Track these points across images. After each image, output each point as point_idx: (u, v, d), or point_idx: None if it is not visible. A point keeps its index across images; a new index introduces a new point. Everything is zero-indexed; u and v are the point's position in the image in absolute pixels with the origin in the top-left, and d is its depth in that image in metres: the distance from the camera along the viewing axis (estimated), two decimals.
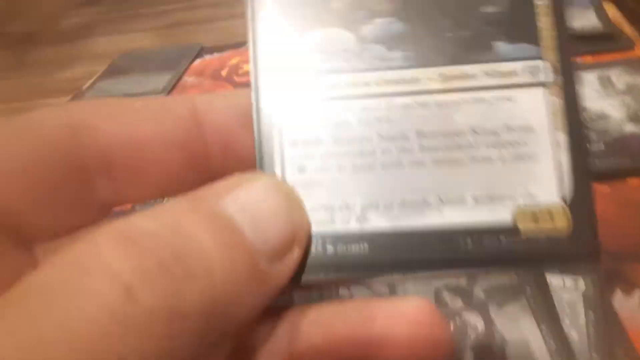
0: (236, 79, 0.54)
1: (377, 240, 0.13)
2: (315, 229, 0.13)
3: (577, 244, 0.12)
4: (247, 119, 0.14)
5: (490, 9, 0.13)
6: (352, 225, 0.13)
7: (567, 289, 0.25)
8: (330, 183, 0.13)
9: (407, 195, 0.13)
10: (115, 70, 0.59)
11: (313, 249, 0.13)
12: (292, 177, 0.13)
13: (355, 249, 0.13)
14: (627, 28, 0.52)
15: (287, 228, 0.12)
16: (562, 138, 0.13)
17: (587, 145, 0.13)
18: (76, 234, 0.13)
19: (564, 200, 0.13)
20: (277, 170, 0.13)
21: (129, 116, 0.13)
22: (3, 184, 0.12)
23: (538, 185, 0.13)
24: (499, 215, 0.13)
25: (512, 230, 0.13)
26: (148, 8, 0.82)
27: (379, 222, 0.13)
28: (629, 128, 0.36)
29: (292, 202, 0.12)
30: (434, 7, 0.14)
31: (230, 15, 0.73)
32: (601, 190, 0.32)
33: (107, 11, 0.84)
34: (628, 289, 0.26)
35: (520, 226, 0.13)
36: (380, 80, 0.13)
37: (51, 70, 0.66)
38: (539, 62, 0.13)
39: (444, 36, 0.13)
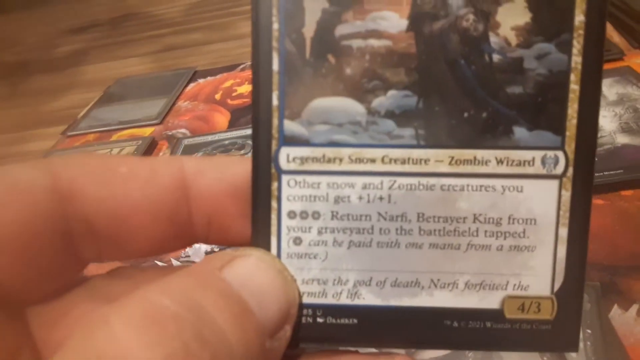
0: (230, 102, 0.54)
1: (367, 315, 0.13)
2: (308, 300, 0.13)
3: (559, 335, 0.13)
4: (236, 190, 0.14)
5: (516, 90, 0.13)
6: (344, 300, 0.13)
7: None
8: (325, 257, 0.13)
9: (401, 275, 0.13)
10: (109, 97, 0.59)
11: (304, 319, 0.13)
12: (288, 249, 0.13)
13: (345, 322, 0.13)
14: (617, 38, 0.52)
15: (284, 305, 0.12)
16: (564, 232, 0.13)
17: (587, 241, 0.13)
18: (64, 295, 0.13)
19: (554, 294, 0.13)
20: (273, 240, 0.13)
21: (114, 183, 0.13)
22: None
23: (531, 277, 0.13)
24: (488, 302, 0.13)
25: (498, 316, 0.13)
26: (140, 33, 0.82)
27: (370, 299, 0.13)
28: (621, 139, 0.36)
29: (286, 280, 0.13)
30: (454, 83, 0.13)
31: (223, 38, 0.74)
32: (595, 203, 0.32)
33: (100, 37, 0.84)
34: (625, 304, 0.26)
35: (507, 314, 0.13)
36: (386, 158, 0.13)
37: (46, 99, 0.66)
38: (559, 153, 0.13)
39: (461, 116, 0.13)
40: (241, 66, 0.62)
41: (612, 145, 0.36)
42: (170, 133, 0.50)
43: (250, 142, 0.46)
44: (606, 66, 0.46)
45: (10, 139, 0.58)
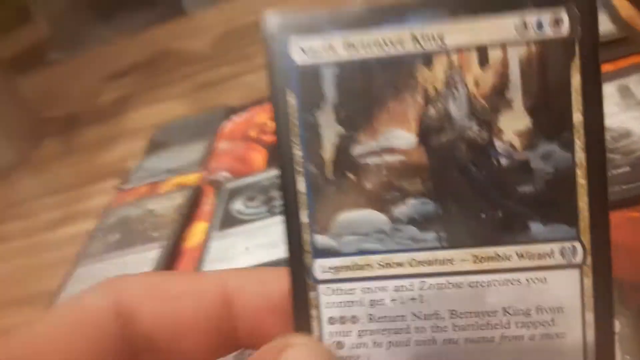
0: (264, 138, 0.56)
1: None
2: None
3: None
4: (278, 305, 0.15)
5: (527, 189, 0.13)
6: None
7: None
8: (367, 358, 0.14)
9: None
10: (154, 146, 0.63)
11: None
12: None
13: None
14: None
15: None
16: (591, 318, 0.13)
17: (613, 322, 0.14)
18: None
19: None
20: None
21: (169, 303, 0.16)
22: None
23: None
24: None
25: None
26: (174, 72, 0.85)
27: None
28: None
29: None
30: (467, 187, 0.14)
31: (252, 69, 0.76)
32: (632, 216, 0.32)
33: (137, 81, 0.88)
34: None
35: None
36: (413, 261, 0.14)
37: (96, 152, 0.70)
38: (576, 244, 0.13)
39: (478, 217, 0.14)
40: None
41: None
42: (213, 178, 0.53)
43: None
44: (632, 59, 0.45)
45: (70, 198, 0.62)
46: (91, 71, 1.00)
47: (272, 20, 0.14)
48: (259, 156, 0.54)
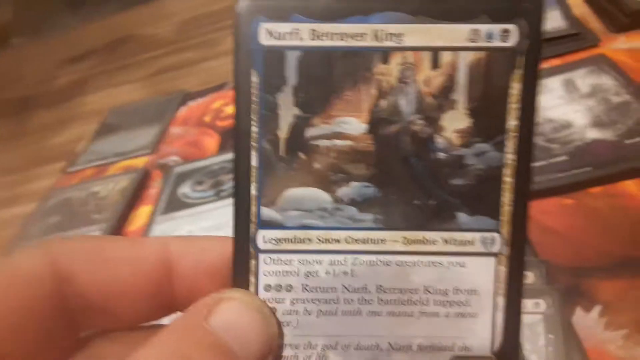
0: (219, 124, 0.56)
1: None
2: None
3: None
4: (217, 272, 0.16)
5: (458, 182, 0.15)
6: None
7: (526, 310, 0.26)
8: (296, 324, 0.15)
9: (363, 340, 0.15)
10: (105, 129, 0.61)
11: None
12: None
13: None
14: (594, 22, 0.52)
15: (265, 341, 0.14)
16: (501, 301, 0.15)
17: (521, 307, 0.15)
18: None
19: (494, 353, 0.15)
20: None
21: (107, 265, 0.16)
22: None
23: (474, 339, 0.15)
24: None
25: None
26: (135, 56, 0.84)
27: None
28: (592, 134, 0.37)
29: (266, 316, 0.15)
30: (406, 176, 0.15)
31: (214, 55, 0.75)
32: (563, 202, 0.33)
33: (97, 65, 0.86)
34: (587, 306, 0.26)
35: None
36: (349, 238, 0.15)
37: (48, 135, 0.68)
38: (495, 235, 0.15)
39: (412, 203, 0.15)
40: (229, 85, 0.63)
41: (582, 142, 0.36)
42: (162, 162, 0.52)
43: None
44: (580, 55, 0.46)
45: (15, 181, 0.60)
46: (49, 55, 0.97)
47: (243, 2, 0.15)
48: (211, 141, 0.53)
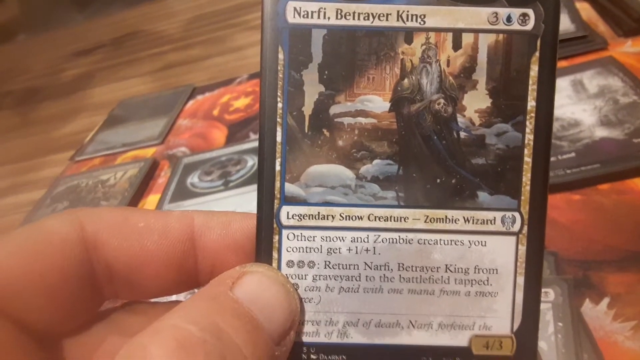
0: (227, 117, 0.56)
1: (354, 353, 0.15)
2: (303, 339, 0.15)
3: None
4: (238, 244, 0.16)
5: (479, 161, 0.15)
6: (334, 339, 0.15)
7: None
8: (318, 301, 0.15)
9: (384, 317, 0.15)
10: (113, 120, 0.61)
11: (299, 356, 0.15)
12: None
13: (335, 358, 0.15)
14: (602, 27, 0.52)
15: (288, 315, 0.14)
16: (521, 281, 0.15)
17: (540, 288, 0.15)
18: (88, 328, 0.16)
19: (513, 333, 0.15)
20: None
21: (133, 236, 0.16)
22: (30, 292, 0.14)
23: (494, 319, 0.15)
24: (458, 340, 0.15)
25: (466, 353, 0.15)
26: (142, 52, 0.84)
27: (357, 339, 0.15)
28: (600, 133, 0.37)
29: (289, 292, 0.15)
30: (428, 154, 0.15)
31: (221, 51, 0.76)
32: (572, 198, 0.33)
33: (104, 59, 0.87)
34: (596, 298, 0.27)
35: (474, 350, 0.15)
36: (371, 216, 0.15)
37: (55, 125, 0.69)
38: (516, 214, 0.15)
39: (434, 181, 0.15)
40: (237, 80, 0.63)
41: (590, 140, 0.37)
42: (170, 152, 0.52)
43: (245, 157, 0.48)
44: (589, 57, 0.47)
45: (22, 168, 0.61)
46: (56, 49, 0.98)
47: None
48: (219, 133, 0.54)
